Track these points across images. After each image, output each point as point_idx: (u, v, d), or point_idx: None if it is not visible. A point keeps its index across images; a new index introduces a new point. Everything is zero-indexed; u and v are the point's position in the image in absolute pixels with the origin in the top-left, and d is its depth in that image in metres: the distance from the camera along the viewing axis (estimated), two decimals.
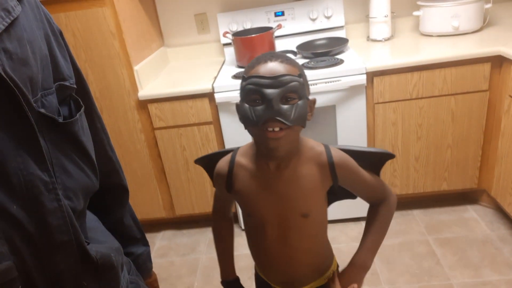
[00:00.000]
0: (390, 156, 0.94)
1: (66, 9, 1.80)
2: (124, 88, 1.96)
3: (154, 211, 2.23)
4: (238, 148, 0.94)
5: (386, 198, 0.95)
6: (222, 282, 1.05)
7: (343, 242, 2.05)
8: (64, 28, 1.83)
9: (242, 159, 0.91)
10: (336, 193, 0.93)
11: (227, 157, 0.93)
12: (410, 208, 2.22)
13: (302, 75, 0.80)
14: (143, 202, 2.21)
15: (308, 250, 0.93)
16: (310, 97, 0.83)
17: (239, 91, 0.83)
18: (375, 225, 0.95)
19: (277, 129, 0.77)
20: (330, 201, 0.98)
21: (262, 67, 0.78)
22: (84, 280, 0.59)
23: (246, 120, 0.80)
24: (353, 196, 1.00)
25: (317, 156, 0.87)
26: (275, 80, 0.76)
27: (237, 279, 1.06)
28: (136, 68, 1.98)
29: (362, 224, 2.16)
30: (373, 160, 0.94)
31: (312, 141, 0.91)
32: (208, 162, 1.00)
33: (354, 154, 0.91)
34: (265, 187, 0.87)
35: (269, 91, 0.76)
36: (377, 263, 1.89)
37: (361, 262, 0.93)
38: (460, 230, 2.02)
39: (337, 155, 0.88)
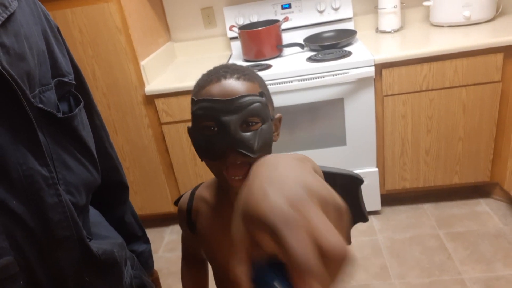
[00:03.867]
0: (358, 181, 0.77)
1: (72, 5, 1.80)
2: (131, 83, 1.96)
3: (163, 206, 2.24)
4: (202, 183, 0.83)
5: None
6: None
7: (353, 237, 2.03)
8: (71, 24, 1.83)
9: (204, 192, 0.78)
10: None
11: (189, 191, 0.81)
12: (421, 202, 2.19)
13: (264, 93, 0.66)
14: (152, 197, 2.22)
15: None
16: (276, 115, 0.71)
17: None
18: None
19: (239, 162, 0.64)
20: None
21: (215, 86, 0.64)
22: (86, 275, 0.58)
23: (201, 152, 0.67)
24: (364, 219, 0.83)
25: None
26: (232, 103, 0.62)
27: None
28: (142, 63, 1.97)
29: (372, 218, 2.13)
30: (345, 184, 0.77)
31: None
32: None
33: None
34: (224, 230, 0.70)
35: (226, 118, 0.62)
36: (387, 257, 1.87)
37: None
38: (472, 224, 1.99)
39: None
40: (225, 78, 0.65)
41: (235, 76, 0.65)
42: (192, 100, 0.67)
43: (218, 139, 0.63)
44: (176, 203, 0.87)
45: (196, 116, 0.66)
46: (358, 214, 0.80)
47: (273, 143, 0.70)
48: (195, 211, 0.78)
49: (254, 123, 0.64)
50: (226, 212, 0.72)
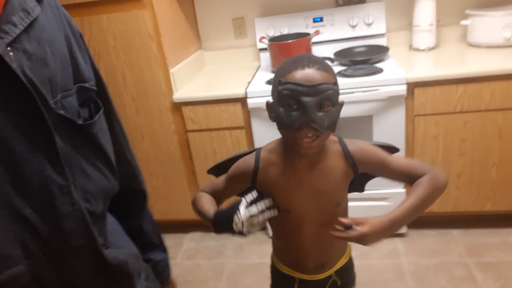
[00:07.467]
0: (395, 149, 1.03)
1: (107, 11, 1.85)
2: (160, 90, 1.98)
3: (184, 212, 2.24)
4: (259, 148, 0.97)
5: (428, 172, 0.91)
6: (215, 222, 0.88)
7: (375, 259, 1.96)
8: (105, 29, 1.87)
9: (270, 156, 0.94)
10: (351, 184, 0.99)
11: (251, 155, 0.96)
12: (449, 227, 2.09)
13: (336, 83, 0.84)
14: (174, 202, 2.22)
15: None
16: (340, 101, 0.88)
17: (271, 90, 0.87)
18: (416, 191, 0.90)
19: (310, 134, 0.81)
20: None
21: (299, 73, 0.80)
22: (98, 285, 0.57)
23: (281, 123, 0.84)
24: (360, 189, 1.04)
25: (336, 148, 0.93)
26: (312, 89, 0.79)
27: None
28: (172, 70, 1.99)
29: (396, 241, 2.06)
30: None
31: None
32: (221, 170, 1.02)
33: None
34: (300, 184, 0.91)
35: (306, 99, 0.79)
36: (410, 283, 1.79)
37: (391, 215, 0.87)
38: (504, 254, 1.88)
39: (351, 144, 0.93)
40: (308, 67, 0.81)
41: (316, 66, 0.81)
42: (279, 81, 0.83)
43: (297, 115, 0.80)
44: (211, 170, 1.05)
45: (281, 94, 0.82)
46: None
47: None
48: (263, 170, 0.93)
49: (326, 106, 0.81)
50: (294, 172, 0.91)
